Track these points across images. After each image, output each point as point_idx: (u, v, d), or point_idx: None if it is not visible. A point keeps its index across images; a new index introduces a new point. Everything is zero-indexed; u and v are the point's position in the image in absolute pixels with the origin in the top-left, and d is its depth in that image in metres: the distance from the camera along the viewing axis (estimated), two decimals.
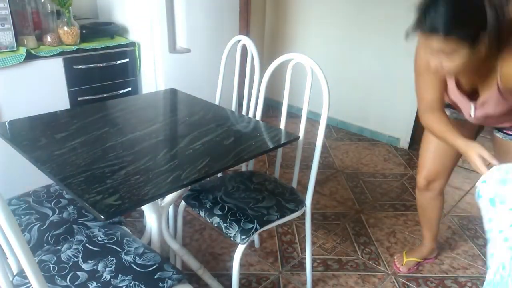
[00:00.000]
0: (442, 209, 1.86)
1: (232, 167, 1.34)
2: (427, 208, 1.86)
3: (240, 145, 1.42)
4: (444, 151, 1.66)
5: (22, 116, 1.58)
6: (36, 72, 2.10)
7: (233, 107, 2.00)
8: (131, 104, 1.80)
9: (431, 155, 1.71)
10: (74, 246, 1.29)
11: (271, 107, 4.08)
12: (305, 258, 1.82)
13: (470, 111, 1.39)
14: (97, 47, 2.31)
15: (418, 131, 3.33)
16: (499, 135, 1.52)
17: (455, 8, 1.07)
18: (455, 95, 1.41)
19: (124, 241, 1.33)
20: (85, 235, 1.35)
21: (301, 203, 1.63)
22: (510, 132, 1.48)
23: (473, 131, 1.65)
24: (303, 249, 2.09)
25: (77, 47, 2.24)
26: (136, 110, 1.73)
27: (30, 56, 2.05)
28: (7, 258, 1.11)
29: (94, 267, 1.21)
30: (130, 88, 2.54)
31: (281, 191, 1.68)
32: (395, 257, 2.03)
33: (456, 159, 1.69)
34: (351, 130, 3.69)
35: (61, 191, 1.58)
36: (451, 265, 2.03)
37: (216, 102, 2.00)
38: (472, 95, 1.37)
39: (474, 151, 1.22)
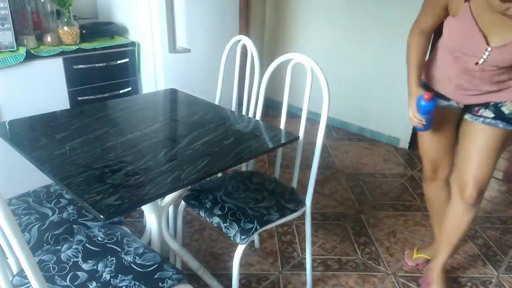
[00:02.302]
0: (449, 201, 1.85)
1: (232, 167, 1.34)
2: (435, 200, 1.85)
3: (240, 145, 1.42)
4: (437, 138, 1.70)
5: (22, 116, 1.58)
6: (36, 72, 2.10)
7: (233, 107, 2.00)
8: (131, 104, 1.80)
9: (428, 144, 1.74)
10: (74, 246, 1.29)
11: (271, 107, 4.08)
12: (305, 258, 1.82)
13: (483, 55, 1.38)
14: (97, 47, 2.31)
15: None
16: (467, 116, 1.59)
17: None
18: (469, 35, 1.39)
19: (124, 241, 1.33)
20: (85, 235, 1.35)
21: (301, 203, 1.63)
22: (477, 114, 1.54)
23: (454, 121, 1.67)
24: (303, 249, 2.09)
25: (77, 47, 2.24)
26: (136, 110, 1.73)
27: (30, 56, 2.05)
28: (7, 258, 1.11)
29: (94, 267, 1.21)
30: (130, 88, 2.54)
31: (281, 191, 1.68)
32: (405, 253, 2.05)
33: (451, 144, 1.73)
34: (351, 130, 3.69)
35: (61, 191, 1.58)
36: (451, 265, 2.03)
37: (216, 102, 2.00)
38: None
39: (415, 103, 1.50)
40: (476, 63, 1.42)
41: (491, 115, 1.51)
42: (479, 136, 1.55)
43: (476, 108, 1.55)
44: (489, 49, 1.36)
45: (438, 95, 1.61)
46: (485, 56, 1.38)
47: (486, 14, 1.33)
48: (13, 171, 1.96)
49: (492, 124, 1.50)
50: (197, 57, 2.61)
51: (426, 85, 1.64)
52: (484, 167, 1.55)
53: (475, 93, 1.52)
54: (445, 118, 1.64)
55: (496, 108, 1.50)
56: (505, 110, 1.48)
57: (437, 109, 1.54)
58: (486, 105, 1.52)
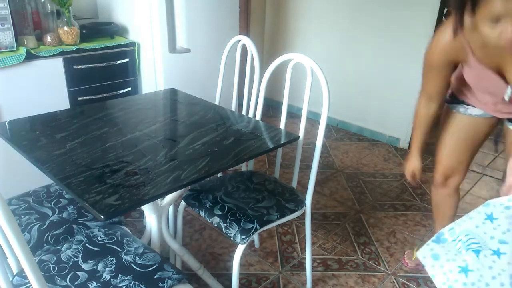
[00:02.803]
0: (457, 207, 1.83)
1: (232, 167, 1.34)
2: (442, 205, 1.82)
3: (240, 145, 1.42)
4: (460, 146, 1.64)
5: (22, 116, 1.58)
6: (36, 72, 2.10)
7: (233, 107, 2.00)
8: (131, 104, 1.80)
9: (447, 151, 1.68)
10: (74, 246, 1.29)
11: (271, 107, 4.08)
12: (305, 258, 1.82)
13: (507, 91, 1.34)
14: (97, 47, 2.31)
15: None
16: (510, 125, 1.52)
17: None
18: (487, 79, 1.35)
19: (124, 241, 1.33)
20: (85, 235, 1.35)
21: (301, 203, 1.63)
22: None
23: (488, 131, 1.61)
24: (303, 249, 2.09)
25: (77, 47, 2.24)
26: (136, 110, 1.73)
27: (30, 56, 2.05)
28: (7, 258, 1.11)
29: (94, 267, 1.21)
30: (130, 88, 2.54)
31: (281, 191, 1.68)
32: (405, 252, 2.05)
33: (473, 154, 1.67)
34: (351, 130, 3.69)
35: (61, 191, 1.58)
36: None
37: (216, 102, 2.00)
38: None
39: (412, 166, 1.63)
40: (502, 99, 1.38)
41: None
42: None
43: None
44: (509, 88, 1.32)
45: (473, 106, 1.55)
46: (509, 92, 1.34)
47: (494, 55, 1.28)
48: (13, 171, 1.97)
49: None
50: (197, 57, 2.61)
51: (463, 102, 1.57)
52: None
53: None
54: (478, 126, 1.57)
55: None
56: None
57: (469, 118, 1.52)
58: None
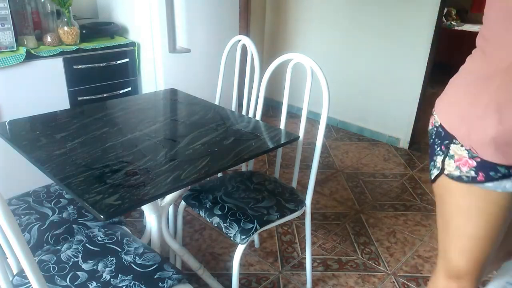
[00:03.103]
0: None
1: (232, 167, 1.34)
2: None
3: (240, 145, 1.42)
4: (495, 233, 1.02)
5: (22, 116, 1.58)
6: (36, 72, 2.10)
7: (233, 107, 2.00)
8: (131, 104, 1.80)
9: (475, 242, 1.02)
10: (74, 246, 1.29)
11: (271, 107, 4.08)
12: (305, 258, 1.82)
13: None
14: (97, 47, 2.31)
15: (418, 131, 3.34)
16: None
17: None
18: None
19: (124, 241, 1.33)
20: (85, 235, 1.35)
21: (301, 203, 1.63)
22: None
23: None
24: (303, 249, 2.09)
25: (77, 47, 2.24)
26: (136, 110, 1.73)
27: (30, 56, 2.05)
28: (7, 258, 1.11)
29: (94, 267, 1.21)
30: (130, 88, 2.54)
31: (281, 191, 1.68)
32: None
33: (497, 246, 1.05)
34: (351, 130, 3.69)
35: (61, 191, 1.58)
36: None
37: (216, 102, 2.00)
38: None
39: None
40: None
41: None
42: None
43: None
44: None
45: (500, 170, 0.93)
46: None
47: None
48: (13, 171, 1.96)
49: None
50: (197, 57, 2.61)
51: (479, 161, 0.94)
52: None
53: None
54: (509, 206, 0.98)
55: None
56: None
57: (500, 195, 0.96)
58: None
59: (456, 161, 0.97)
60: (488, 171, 0.95)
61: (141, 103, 1.86)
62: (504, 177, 0.94)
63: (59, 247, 1.29)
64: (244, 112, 1.96)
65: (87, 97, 2.33)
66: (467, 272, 1.06)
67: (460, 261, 1.05)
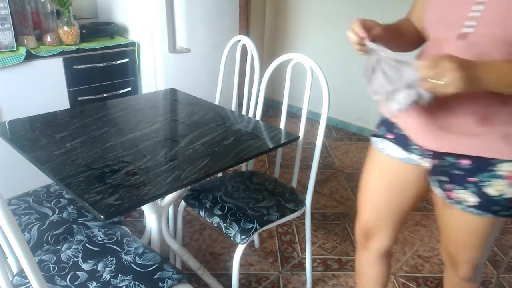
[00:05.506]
0: (385, 284, 1.38)
1: (232, 167, 1.35)
2: (364, 275, 1.38)
3: (240, 145, 1.42)
4: (380, 197, 1.22)
5: (22, 116, 1.58)
6: (36, 72, 2.10)
7: (233, 107, 2.00)
8: (131, 104, 1.80)
9: (366, 198, 1.27)
10: (74, 246, 1.29)
11: (271, 107, 4.08)
12: (305, 258, 1.82)
13: (472, 12, 0.90)
14: (97, 47, 2.31)
15: None
16: (438, 192, 1.09)
17: None
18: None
19: (124, 241, 1.33)
20: (85, 235, 1.35)
21: (301, 203, 1.63)
22: (453, 197, 1.04)
23: (416, 185, 1.18)
24: (303, 249, 2.09)
25: (77, 47, 2.24)
26: (136, 110, 1.73)
27: (30, 56, 2.05)
28: (7, 258, 1.11)
29: (94, 267, 1.21)
30: (130, 88, 2.54)
31: (281, 191, 1.68)
32: None
33: (399, 214, 1.23)
34: (351, 130, 3.69)
35: (61, 191, 1.58)
36: None
37: (216, 102, 2.00)
38: None
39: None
40: (461, 36, 0.93)
41: (473, 199, 1.00)
42: (462, 223, 1.08)
43: (449, 186, 1.04)
44: (476, 8, 0.89)
45: (396, 139, 1.15)
46: (477, 12, 0.89)
47: None
48: (13, 171, 1.97)
49: (477, 214, 1.02)
50: (197, 57, 2.61)
51: (387, 122, 1.20)
52: (477, 250, 1.12)
53: (452, 130, 0.99)
54: (402, 176, 1.17)
55: (477, 188, 0.99)
56: (492, 190, 0.98)
57: (390, 160, 1.16)
58: (461, 182, 1.01)
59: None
60: (377, 126, 1.28)
61: (141, 103, 1.86)
62: (382, 137, 1.24)
63: (59, 247, 1.29)
64: (244, 112, 1.96)
65: (87, 97, 2.33)
66: (371, 226, 1.27)
67: (365, 213, 1.29)
